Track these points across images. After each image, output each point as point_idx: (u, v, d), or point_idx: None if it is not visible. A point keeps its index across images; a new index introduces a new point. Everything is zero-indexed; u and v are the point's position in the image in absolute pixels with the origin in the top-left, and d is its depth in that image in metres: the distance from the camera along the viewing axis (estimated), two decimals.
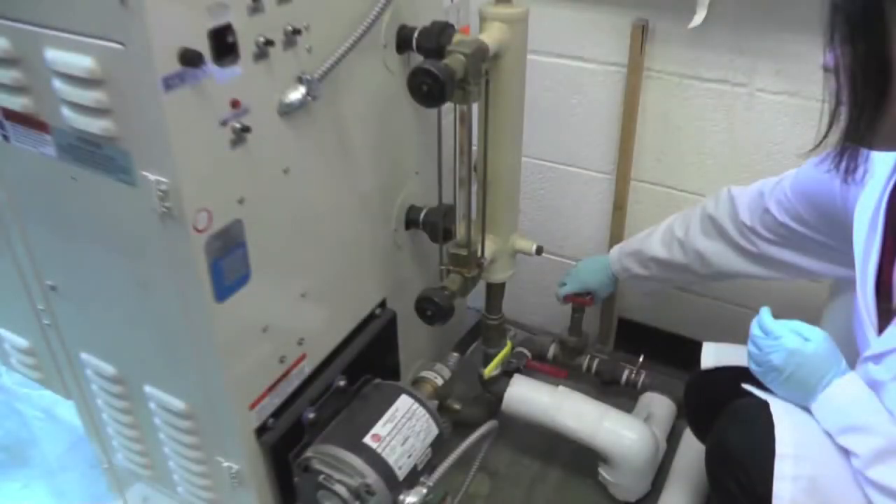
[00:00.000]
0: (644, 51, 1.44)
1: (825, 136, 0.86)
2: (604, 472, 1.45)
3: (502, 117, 1.23)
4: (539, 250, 1.38)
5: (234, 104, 0.91)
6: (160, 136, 0.85)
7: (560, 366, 1.68)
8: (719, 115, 1.44)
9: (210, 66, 0.86)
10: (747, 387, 1.01)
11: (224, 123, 0.91)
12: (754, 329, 1.00)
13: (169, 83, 0.82)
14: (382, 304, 1.36)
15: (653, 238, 1.40)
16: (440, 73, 1.00)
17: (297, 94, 0.99)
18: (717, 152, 1.48)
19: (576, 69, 1.54)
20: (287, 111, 0.99)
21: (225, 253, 0.96)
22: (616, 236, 1.65)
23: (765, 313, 1.00)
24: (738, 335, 1.22)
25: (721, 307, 1.64)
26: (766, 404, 0.96)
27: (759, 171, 1.44)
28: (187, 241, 0.91)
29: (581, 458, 1.51)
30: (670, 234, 1.37)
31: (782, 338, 0.96)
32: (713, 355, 1.23)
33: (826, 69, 0.82)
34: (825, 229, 1.13)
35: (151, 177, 0.88)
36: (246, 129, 0.93)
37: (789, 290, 1.44)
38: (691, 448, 1.48)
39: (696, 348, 1.61)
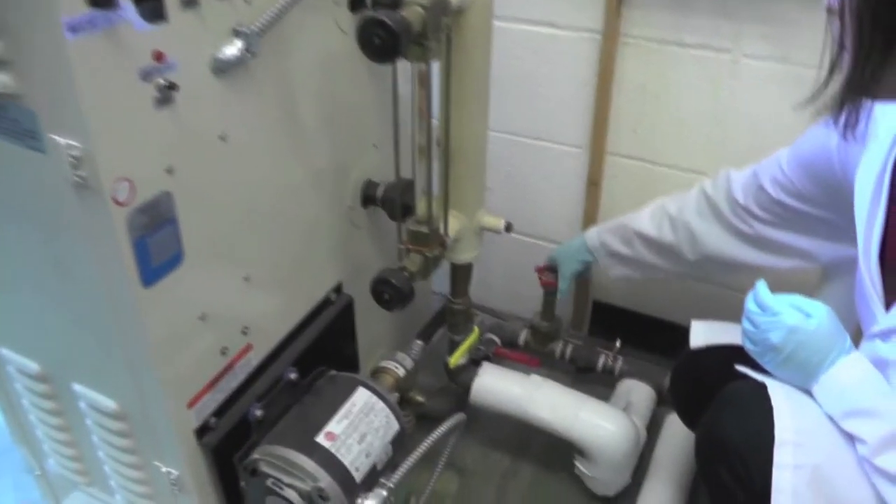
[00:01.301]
0: (621, 15, 1.37)
1: (825, 86, 0.80)
2: (580, 466, 1.39)
3: (466, 79, 1.14)
4: (508, 227, 1.31)
5: (158, 56, 0.81)
6: (68, 91, 0.75)
7: (532, 353, 1.62)
8: (702, 84, 1.37)
9: (127, 9, 0.76)
10: (741, 368, 0.94)
11: (146, 79, 0.81)
12: (750, 304, 0.93)
13: (74, 27, 0.72)
14: (338, 289, 1.29)
15: (641, 214, 1.33)
16: (394, 24, 0.91)
17: (232, 48, 0.90)
18: (698, 123, 1.41)
19: (546, 36, 1.46)
20: (222, 68, 0.90)
21: (152, 230, 0.87)
22: (590, 214, 1.58)
23: (761, 287, 0.93)
24: (722, 318, 1.17)
25: (702, 288, 1.58)
26: (763, 387, 0.89)
27: (744, 143, 1.38)
28: (107, 215, 0.82)
29: (555, 452, 1.46)
30: (661, 211, 1.30)
31: (781, 314, 0.89)
32: (703, 334, 1.16)
33: (830, 11, 0.77)
34: (824, 201, 1.07)
35: (61, 141, 0.78)
36: (172, 87, 0.83)
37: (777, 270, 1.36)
38: (673, 437, 1.43)
39: (675, 332, 1.56)
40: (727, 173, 1.21)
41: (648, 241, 1.31)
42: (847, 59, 0.77)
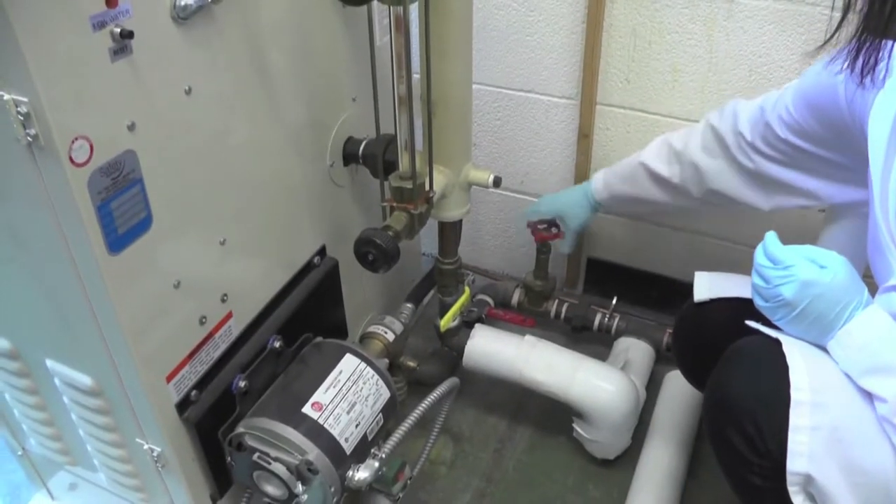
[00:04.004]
0: None
1: (839, 27, 0.74)
2: (579, 429, 1.36)
3: (446, 22, 1.08)
4: (497, 181, 1.26)
5: (110, 2, 0.74)
6: (8, 39, 0.68)
7: (526, 313, 1.61)
8: (696, 27, 1.32)
9: None
10: (752, 324, 0.89)
11: (99, 27, 0.74)
12: (759, 258, 0.87)
13: None
14: (321, 252, 1.24)
15: (646, 152, 1.27)
16: None
17: None
18: (692, 69, 1.36)
19: None
20: (183, 15, 0.83)
21: (116, 192, 0.81)
22: (582, 167, 1.54)
23: (771, 238, 0.88)
24: (721, 272, 1.13)
25: (701, 242, 1.54)
26: (776, 343, 0.85)
27: (741, 89, 1.33)
28: (64, 177, 0.76)
29: (553, 415, 1.43)
30: (667, 147, 1.24)
31: (794, 266, 0.83)
32: (707, 286, 1.11)
33: None
34: (833, 142, 1.01)
35: (6, 96, 0.72)
36: (128, 35, 0.76)
37: (780, 219, 1.31)
38: (674, 396, 1.40)
39: (673, 287, 1.53)
40: (734, 104, 1.14)
41: (657, 179, 1.26)
42: None
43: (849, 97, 0.91)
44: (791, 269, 0.83)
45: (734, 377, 0.88)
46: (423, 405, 1.15)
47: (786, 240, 0.88)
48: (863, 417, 0.81)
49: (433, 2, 1.03)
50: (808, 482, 0.81)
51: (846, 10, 0.72)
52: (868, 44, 0.73)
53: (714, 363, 0.92)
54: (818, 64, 0.98)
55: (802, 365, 0.82)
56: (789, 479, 0.81)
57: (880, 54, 0.74)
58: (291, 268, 1.17)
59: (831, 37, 0.75)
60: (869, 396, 0.81)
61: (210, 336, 1.02)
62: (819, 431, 0.80)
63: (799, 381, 0.81)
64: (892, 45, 0.77)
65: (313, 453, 0.99)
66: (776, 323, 0.87)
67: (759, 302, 0.88)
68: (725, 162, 1.15)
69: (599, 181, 1.35)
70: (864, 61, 0.75)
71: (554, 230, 1.45)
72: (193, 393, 1.01)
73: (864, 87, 0.82)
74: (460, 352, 1.39)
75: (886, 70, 0.81)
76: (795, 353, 0.83)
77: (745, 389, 0.86)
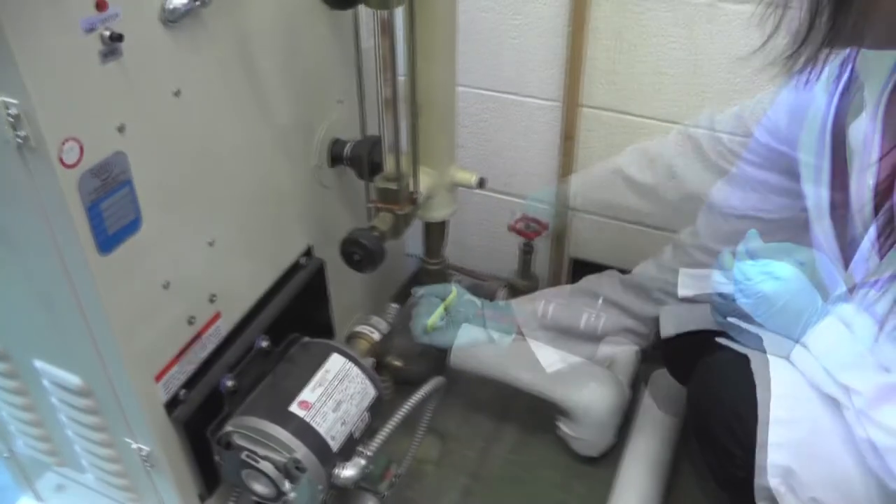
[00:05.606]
0: None
1: (805, 38, 0.76)
2: (563, 427, 1.36)
3: (431, 26, 1.09)
4: (481, 183, 1.27)
5: (100, 5, 0.75)
6: None
7: None
8: (679, 30, 1.33)
9: None
10: (723, 341, 0.92)
11: (89, 30, 0.75)
12: (741, 255, 0.90)
13: None
14: (308, 253, 1.24)
15: (619, 157, 1.28)
16: None
17: None
18: (676, 72, 1.37)
19: None
20: (172, 18, 0.84)
21: (105, 193, 0.82)
22: (566, 168, 1.54)
23: (752, 237, 0.91)
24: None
25: None
26: (746, 359, 0.88)
27: (723, 91, 1.34)
28: (54, 178, 0.76)
29: (539, 413, 1.42)
30: (640, 153, 1.25)
31: (753, 280, 0.86)
32: (673, 322, 1.14)
33: None
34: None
35: None
36: (117, 38, 0.77)
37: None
38: (658, 394, 1.40)
39: None
40: (710, 114, 1.16)
41: (632, 185, 1.26)
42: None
43: (828, 100, 0.92)
44: (770, 266, 0.85)
45: (717, 371, 0.90)
46: (409, 404, 1.15)
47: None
48: (835, 416, 0.82)
49: (418, 5, 1.04)
50: (787, 474, 0.83)
51: (812, 22, 0.74)
52: (807, 51, 0.76)
53: (698, 358, 0.94)
54: None
55: (781, 363, 0.84)
56: (770, 470, 0.83)
57: (818, 60, 0.77)
58: (278, 268, 1.18)
59: (769, 38, 0.78)
60: (832, 402, 0.82)
61: (198, 336, 1.02)
62: (798, 424, 0.82)
63: (780, 376, 0.83)
64: (853, 53, 0.79)
65: (301, 451, 0.99)
66: (756, 319, 0.88)
67: (741, 299, 0.88)
68: (702, 166, 1.16)
69: (576, 185, 1.36)
70: (803, 66, 0.77)
71: (533, 226, 1.45)
72: (182, 392, 1.01)
73: (796, 90, 0.84)
74: (446, 351, 1.38)
75: (849, 77, 0.83)
76: (773, 357, 0.85)
77: (728, 383, 0.87)
